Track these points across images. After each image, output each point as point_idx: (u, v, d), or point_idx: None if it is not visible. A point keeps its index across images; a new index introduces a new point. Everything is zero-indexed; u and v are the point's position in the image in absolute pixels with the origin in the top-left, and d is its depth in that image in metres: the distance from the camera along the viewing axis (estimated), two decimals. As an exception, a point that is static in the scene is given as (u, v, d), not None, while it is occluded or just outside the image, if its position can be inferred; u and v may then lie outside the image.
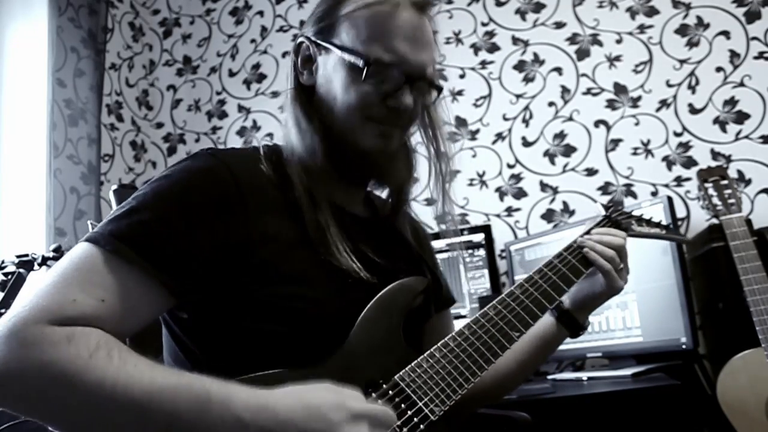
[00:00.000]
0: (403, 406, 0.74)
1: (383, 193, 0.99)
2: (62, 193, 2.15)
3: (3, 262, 1.49)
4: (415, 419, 0.74)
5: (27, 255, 1.50)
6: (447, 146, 0.95)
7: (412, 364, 0.78)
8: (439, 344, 0.82)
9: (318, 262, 0.79)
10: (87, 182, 2.25)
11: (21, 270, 1.45)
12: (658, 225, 1.17)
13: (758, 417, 1.40)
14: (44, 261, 1.53)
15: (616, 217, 1.11)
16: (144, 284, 0.70)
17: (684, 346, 1.56)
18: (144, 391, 0.61)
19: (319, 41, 0.87)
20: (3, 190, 2.11)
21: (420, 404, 0.75)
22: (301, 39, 0.89)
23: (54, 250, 1.55)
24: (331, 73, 0.85)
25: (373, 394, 0.74)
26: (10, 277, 1.43)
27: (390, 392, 0.75)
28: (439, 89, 0.89)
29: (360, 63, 0.81)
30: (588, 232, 1.04)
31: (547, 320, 1.01)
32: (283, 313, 0.75)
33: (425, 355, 0.80)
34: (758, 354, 1.38)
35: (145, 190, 0.75)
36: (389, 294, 0.82)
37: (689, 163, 2.02)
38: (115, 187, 1.45)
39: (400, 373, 0.77)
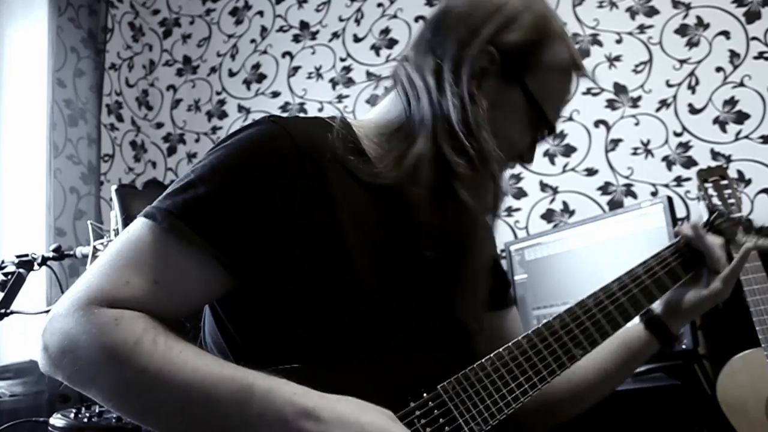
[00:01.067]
0: (441, 420, 0.69)
1: None
2: (62, 193, 2.15)
3: (3, 262, 1.49)
4: None
5: (27, 255, 1.50)
6: None
7: (459, 374, 0.72)
8: (492, 355, 0.75)
9: (367, 252, 0.73)
10: (87, 182, 2.26)
11: (21, 270, 1.46)
12: None
13: (758, 417, 1.40)
14: (44, 261, 1.53)
15: (719, 224, 0.97)
16: (201, 263, 0.67)
17: (684, 346, 1.56)
18: (186, 379, 0.62)
19: (511, 70, 0.79)
20: (3, 190, 2.11)
21: (460, 421, 0.70)
22: (492, 50, 0.77)
23: (54, 250, 1.55)
24: (506, 106, 0.79)
25: (412, 404, 0.69)
26: (10, 277, 1.43)
27: (430, 403, 0.69)
28: None
29: (544, 124, 0.81)
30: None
31: (634, 327, 0.91)
32: (324, 306, 0.70)
33: (475, 365, 0.73)
34: (758, 354, 1.38)
35: (204, 161, 0.71)
36: (469, 318, 0.77)
37: (689, 163, 2.01)
38: (115, 187, 1.45)
39: (444, 383, 0.71)
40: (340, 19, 2.49)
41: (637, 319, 0.89)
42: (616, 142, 2.11)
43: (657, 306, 0.91)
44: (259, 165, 0.69)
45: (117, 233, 1.55)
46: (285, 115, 2.51)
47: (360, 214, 0.73)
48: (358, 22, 2.46)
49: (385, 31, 2.42)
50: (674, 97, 2.06)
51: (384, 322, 0.72)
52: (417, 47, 0.81)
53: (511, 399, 0.73)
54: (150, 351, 0.62)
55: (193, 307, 0.71)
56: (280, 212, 0.69)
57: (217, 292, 0.71)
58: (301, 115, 2.50)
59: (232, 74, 2.61)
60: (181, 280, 0.68)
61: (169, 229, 0.67)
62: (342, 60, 2.48)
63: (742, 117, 1.98)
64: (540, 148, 0.84)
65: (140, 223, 0.69)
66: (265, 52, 2.58)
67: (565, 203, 2.13)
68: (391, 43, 2.40)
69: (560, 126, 2.16)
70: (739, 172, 1.95)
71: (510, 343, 0.76)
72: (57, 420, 1.42)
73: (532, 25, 0.79)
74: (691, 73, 2.05)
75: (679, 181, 2.02)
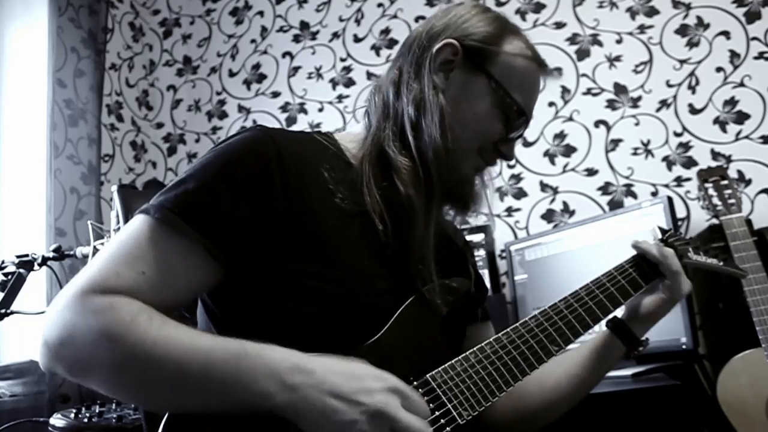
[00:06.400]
0: (431, 406, 0.74)
1: None
2: (62, 193, 2.15)
3: (3, 262, 1.49)
4: (442, 420, 0.73)
5: (27, 255, 1.50)
6: None
7: (446, 365, 0.78)
8: (475, 348, 0.81)
9: (362, 245, 0.79)
10: (87, 182, 2.25)
11: (21, 270, 1.46)
12: (716, 255, 1.09)
13: (758, 417, 1.40)
14: (44, 261, 1.53)
15: (672, 242, 1.02)
16: (190, 252, 0.71)
17: (684, 346, 1.56)
18: (182, 347, 0.65)
19: (474, 60, 0.87)
20: (3, 190, 2.11)
21: (449, 406, 0.75)
22: (453, 41, 0.86)
23: (54, 250, 1.55)
24: (472, 94, 0.86)
25: None
26: (10, 277, 1.43)
27: (420, 390, 0.74)
28: None
29: (513, 108, 0.86)
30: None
31: (601, 333, 0.97)
32: (317, 294, 0.74)
33: (460, 357, 0.79)
34: (758, 354, 1.38)
35: (195, 163, 0.77)
36: (431, 291, 0.81)
37: (689, 163, 2.02)
38: (116, 187, 1.45)
39: (433, 372, 0.77)
40: (341, 20, 2.49)
41: (604, 326, 0.96)
42: (616, 142, 2.11)
43: (621, 312, 0.97)
44: (242, 162, 0.75)
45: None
46: (285, 115, 2.52)
47: (332, 204, 0.79)
48: (358, 22, 2.46)
49: (386, 32, 2.42)
50: (674, 97, 2.06)
51: (378, 305, 0.78)
52: (388, 69, 0.92)
53: (494, 387, 0.78)
54: (146, 326, 0.65)
55: (184, 297, 0.74)
56: (263, 206, 0.74)
57: (204, 282, 0.75)
58: (301, 115, 2.50)
59: (232, 74, 2.61)
60: (169, 270, 0.71)
61: (161, 221, 0.71)
62: (342, 60, 2.48)
63: (742, 117, 1.98)
64: (523, 148, 0.88)
65: (135, 219, 0.74)
66: (265, 52, 2.58)
67: (565, 203, 2.13)
68: (392, 43, 2.40)
69: (561, 126, 2.16)
70: (739, 172, 1.95)
71: (491, 339, 0.83)
72: (57, 420, 1.42)
73: (489, 21, 0.89)
74: (692, 73, 2.05)
75: (679, 181, 2.02)
